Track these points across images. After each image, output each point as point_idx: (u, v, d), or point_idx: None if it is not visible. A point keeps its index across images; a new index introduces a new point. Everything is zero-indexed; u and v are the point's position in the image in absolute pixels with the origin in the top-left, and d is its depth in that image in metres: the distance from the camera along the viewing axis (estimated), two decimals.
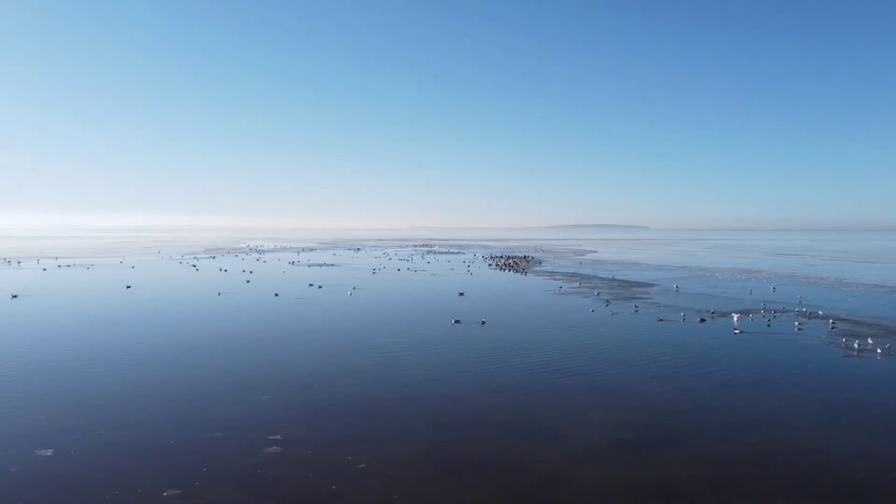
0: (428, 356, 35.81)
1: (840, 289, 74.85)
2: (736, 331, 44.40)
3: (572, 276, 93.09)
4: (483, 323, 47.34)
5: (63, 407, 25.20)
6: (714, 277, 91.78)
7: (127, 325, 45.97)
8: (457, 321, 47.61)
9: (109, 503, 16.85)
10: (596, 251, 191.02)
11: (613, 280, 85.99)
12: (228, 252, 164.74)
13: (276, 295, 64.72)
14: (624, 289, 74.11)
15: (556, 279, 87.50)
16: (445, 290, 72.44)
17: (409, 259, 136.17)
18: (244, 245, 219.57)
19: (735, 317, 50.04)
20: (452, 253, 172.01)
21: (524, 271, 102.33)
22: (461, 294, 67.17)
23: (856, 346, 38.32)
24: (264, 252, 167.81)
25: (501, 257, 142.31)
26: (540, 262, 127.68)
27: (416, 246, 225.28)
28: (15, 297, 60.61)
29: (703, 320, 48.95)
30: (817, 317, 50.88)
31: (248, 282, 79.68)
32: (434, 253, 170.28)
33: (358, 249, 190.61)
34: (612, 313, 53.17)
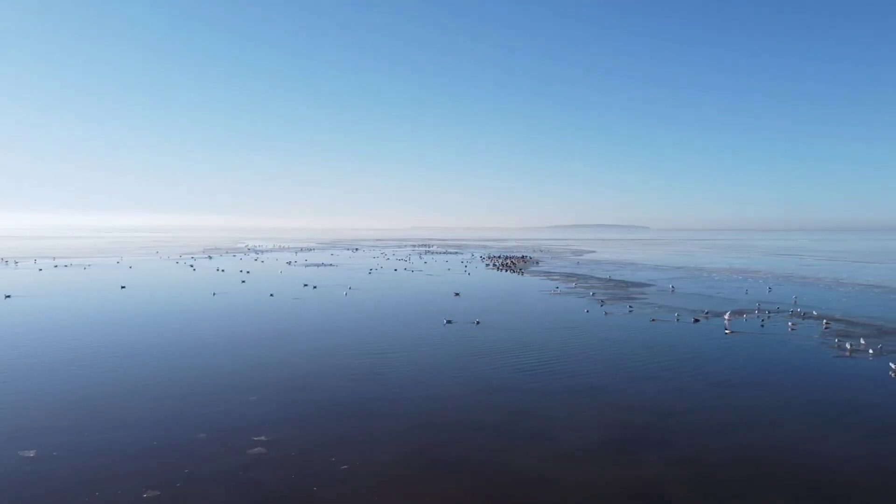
0: (420, 357, 35.75)
1: (836, 289, 74.81)
2: (727, 331, 44.37)
3: (569, 276, 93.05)
4: (477, 323, 47.29)
5: (49, 408, 25.12)
6: (711, 278, 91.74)
7: (118, 325, 45.90)
8: (449, 321, 47.56)
9: None
10: (594, 251, 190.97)
11: (610, 280, 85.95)
12: (226, 252, 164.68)
13: (272, 295, 64.67)
14: (620, 289, 74.06)
15: (552, 279, 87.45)
16: (441, 290, 72.38)
17: (407, 259, 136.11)
18: (242, 245, 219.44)
19: (726, 316, 50.08)
20: (450, 253, 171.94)
21: (521, 271, 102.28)
22: (457, 294, 67.12)
23: (848, 346, 38.26)
24: (262, 252, 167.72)
25: (499, 257, 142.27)
26: (537, 263, 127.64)
27: (414, 246, 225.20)
28: (8, 297, 60.54)
29: (696, 320, 48.90)
30: (811, 317, 50.83)
31: (243, 282, 79.60)
32: (432, 253, 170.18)
33: (356, 249, 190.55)
34: (606, 313, 53.11)
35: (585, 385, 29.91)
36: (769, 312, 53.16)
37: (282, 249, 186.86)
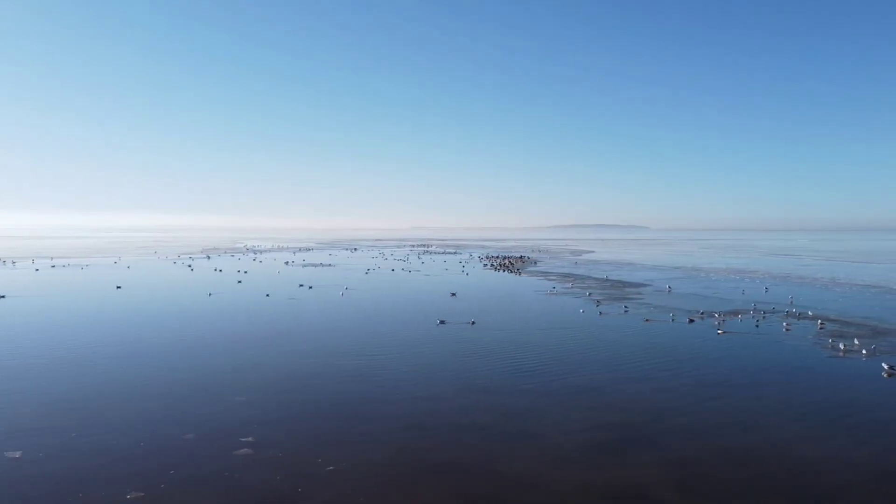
0: (413, 357, 35.70)
1: (833, 289, 74.75)
2: (719, 331, 44.34)
3: (566, 276, 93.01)
4: (473, 323, 47.28)
5: (37, 408, 25.07)
6: (708, 278, 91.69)
7: (111, 326, 45.89)
8: (441, 322, 47.53)
9: None
10: (593, 251, 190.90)
11: (607, 280, 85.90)
12: (225, 252, 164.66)
13: (267, 295, 64.64)
14: (616, 289, 74.01)
15: (549, 279, 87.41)
16: (438, 290, 72.35)
17: (405, 259, 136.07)
18: (241, 245, 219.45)
19: (716, 316, 50.14)
20: (449, 253, 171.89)
21: (519, 271, 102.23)
22: (453, 294, 67.08)
23: (841, 347, 38.21)
24: (261, 252, 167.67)
25: (497, 257, 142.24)
26: (535, 263, 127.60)
27: (413, 246, 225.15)
28: (2, 297, 60.50)
29: (691, 321, 48.85)
30: (807, 317, 50.78)
31: (239, 282, 79.57)
32: (430, 253, 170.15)
33: (355, 249, 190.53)
34: (601, 314, 53.07)
35: (577, 385, 29.86)
36: (764, 313, 53.12)
37: (280, 249, 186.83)
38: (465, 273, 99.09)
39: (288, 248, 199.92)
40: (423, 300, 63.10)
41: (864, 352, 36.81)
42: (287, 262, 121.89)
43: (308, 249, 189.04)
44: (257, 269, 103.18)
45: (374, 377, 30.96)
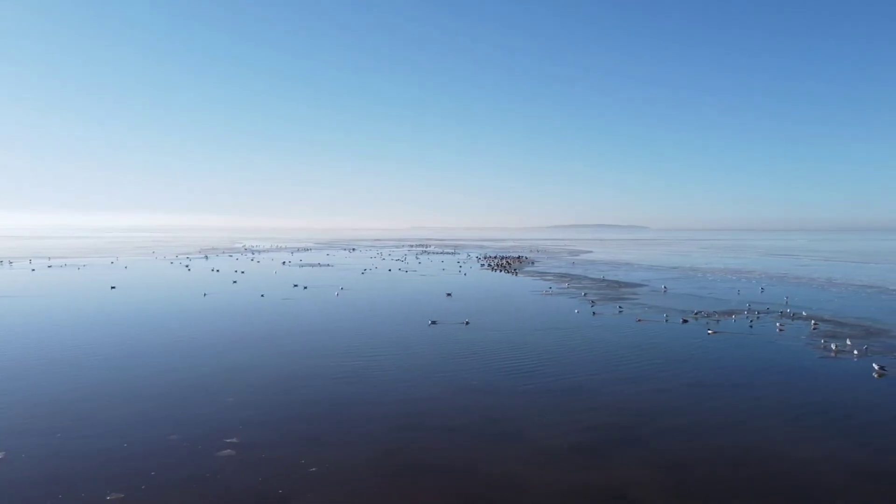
0: (405, 357, 35.63)
1: (829, 289, 74.67)
2: (709, 331, 44.28)
3: (563, 276, 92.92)
4: (467, 323, 47.23)
5: (24, 410, 25.01)
6: (704, 278, 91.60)
7: (103, 326, 45.83)
8: (433, 322, 47.47)
9: None
10: (591, 251, 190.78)
11: (603, 280, 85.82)
12: (223, 252, 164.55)
13: (262, 296, 64.57)
14: (612, 289, 73.94)
15: (546, 279, 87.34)
16: (434, 290, 72.28)
17: (403, 259, 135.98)
18: (240, 245, 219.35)
19: (710, 316, 50.15)
20: (447, 253, 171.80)
21: (515, 272, 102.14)
22: (448, 295, 67.00)
23: (833, 347, 38.16)
24: (259, 252, 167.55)
25: (495, 258, 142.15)
26: (533, 263, 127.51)
27: (411, 246, 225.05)
28: None
29: (685, 321, 48.78)
30: (801, 318, 50.71)
31: (234, 282, 79.49)
32: (429, 253, 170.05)
33: (353, 249, 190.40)
34: (595, 314, 53.00)
35: (567, 386, 29.80)
36: (758, 313, 53.05)
37: (279, 250, 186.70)
38: (462, 274, 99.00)
39: (286, 248, 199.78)
40: (419, 300, 63.03)
41: (855, 352, 36.75)
42: (284, 263, 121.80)
43: (306, 250, 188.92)
44: (254, 270, 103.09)
45: (365, 378, 30.90)
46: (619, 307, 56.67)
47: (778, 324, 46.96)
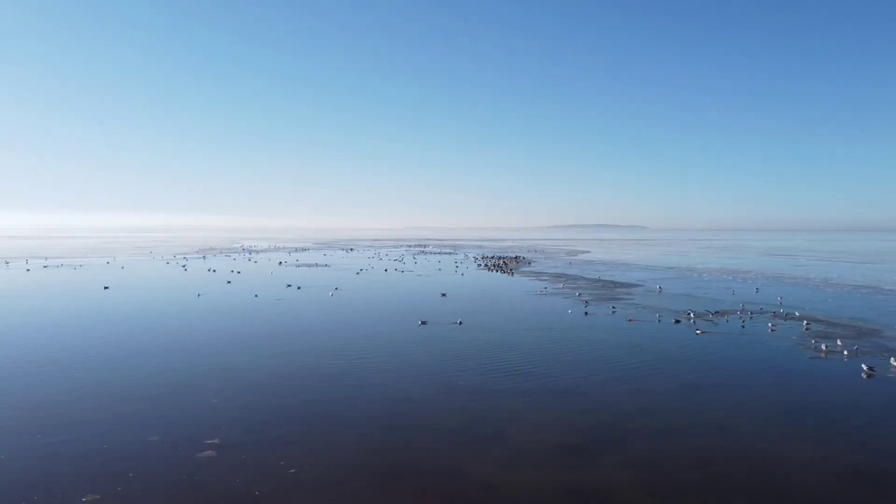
0: (394, 358, 35.55)
1: (824, 289, 74.60)
2: (697, 331, 44.24)
3: (558, 276, 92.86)
4: (460, 323, 47.23)
5: (5, 411, 24.92)
6: (700, 278, 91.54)
7: (91, 327, 45.75)
8: (423, 322, 47.41)
9: None
10: (589, 251, 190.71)
11: (598, 281, 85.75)
12: (221, 252, 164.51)
13: (256, 296, 64.51)
14: (607, 289, 73.87)
15: (541, 280, 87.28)
16: (429, 290, 72.22)
17: (400, 259, 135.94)
18: (238, 245, 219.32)
19: (699, 316, 50.25)
20: (445, 253, 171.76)
21: (512, 272, 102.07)
22: (443, 295, 66.94)
23: (823, 347, 38.08)
24: (257, 252, 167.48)
25: (492, 258, 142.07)
26: (530, 263, 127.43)
27: (409, 246, 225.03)
28: None
29: (677, 321, 48.72)
30: (793, 318, 50.64)
31: (229, 283, 79.41)
32: (426, 253, 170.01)
33: (351, 250, 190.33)
34: (587, 314, 52.95)
35: (554, 386, 29.73)
36: (751, 313, 52.98)
37: (276, 250, 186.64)
38: (459, 274, 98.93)
39: (284, 248, 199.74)
40: (413, 300, 62.97)
41: (845, 353, 36.68)
42: (281, 263, 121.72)
43: (304, 250, 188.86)
44: (251, 270, 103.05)
45: (351, 378, 30.82)
46: (613, 307, 56.60)
47: (770, 324, 46.90)
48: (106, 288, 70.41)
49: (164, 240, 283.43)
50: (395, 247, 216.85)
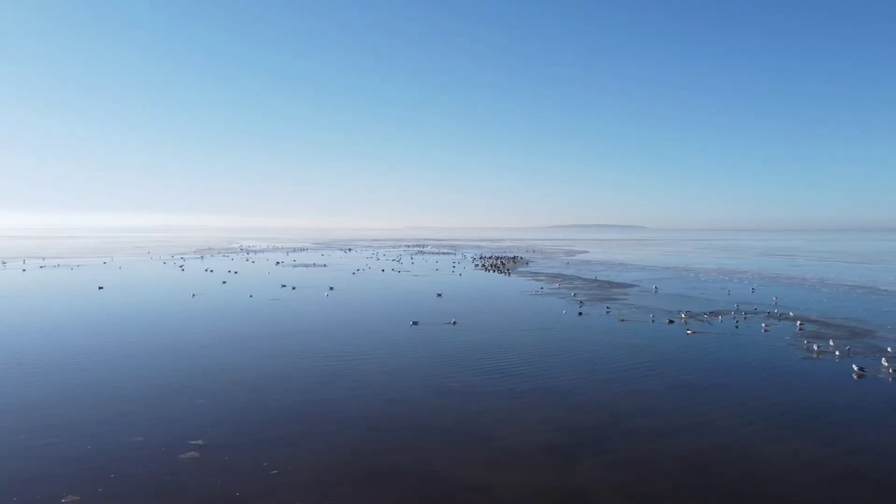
0: (386, 358, 35.49)
1: (820, 289, 74.54)
2: (688, 331, 44.20)
3: (555, 276, 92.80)
4: (454, 323, 47.19)
5: None
6: (697, 278, 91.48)
7: (83, 327, 45.69)
8: (415, 323, 47.36)
9: None
10: (587, 251, 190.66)
11: (595, 281, 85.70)
12: (219, 252, 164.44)
13: (251, 296, 64.45)
14: (603, 290, 73.82)
15: (538, 280, 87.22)
16: (424, 290, 72.17)
17: (398, 259, 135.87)
18: (237, 245, 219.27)
19: (682, 316, 50.29)
20: (443, 253, 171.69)
21: (509, 272, 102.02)
22: (439, 295, 66.89)
23: (815, 348, 38.04)
24: (255, 252, 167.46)
25: (490, 258, 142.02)
26: (527, 263, 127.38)
27: (408, 246, 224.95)
28: None
29: (671, 321, 48.66)
30: (787, 318, 50.59)
31: (224, 283, 79.35)
32: (424, 253, 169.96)
33: (349, 250, 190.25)
34: (581, 314, 52.89)
35: (543, 387, 29.66)
36: (745, 313, 52.93)
37: (275, 250, 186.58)
38: (455, 274, 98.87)
39: (283, 248, 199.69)
40: (408, 301, 62.91)
41: (837, 353, 36.63)
42: (278, 263, 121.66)
43: (303, 250, 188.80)
44: (248, 270, 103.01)
45: (343, 379, 30.76)
46: (607, 308, 56.55)
47: (763, 324, 46.84)
48: (100, 288, 70.35)
49: (164, 240, 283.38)
50: (393, 247, 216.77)
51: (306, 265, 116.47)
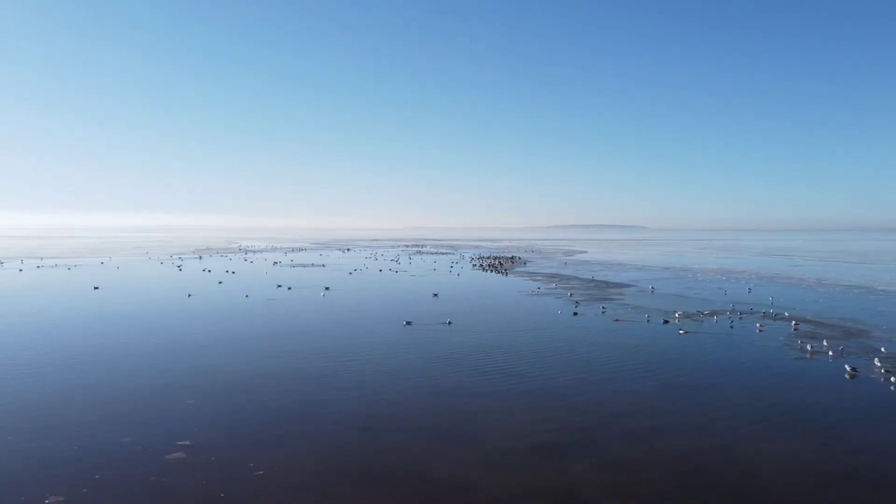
0: (379, 359, 35.44)
1: (816, 289, 74.47)
2: (681, 331, 44.16)
3: (552, 276, 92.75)
4: (449, 323, 47.16)
5: None
6: (694, 278, 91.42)
7: (76, 328, 45.64)
8: (408, 323, 47.32)
9: None
10: (586, 251, 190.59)
11: (592, 281, 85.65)
12: (217, 252, 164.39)
13: (247, 296, 64.40)
14: (600, 290, 73.77)
15: (535, 280, 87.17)
16: (421, 290, 72.12)
17: (396, 260, 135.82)
18: (235, 245, 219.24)
19: (676, 316, 50.26)
20: (442, 253, 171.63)
21: (506, 272, 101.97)
22: (435, 295, 66.84)
23: (809, 348, 37.98)
24: (254, 252, 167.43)
25: (488, 258, 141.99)
26: (525, 263, 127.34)
27: (407, 246, 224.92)
28: None
29: (666, 322, 48.60)
30: (783, 318, 50.53)
31: (220, 283, 79.30)
32: (423, 253, 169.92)
33: (348, 250, 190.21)
34: (576, 314, 52.84)
35: (536, 387, 29.62)
36: (741, 314, 52.87)
37: (273, 250, 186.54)
38: (452, 273, 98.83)
39: (282, 248, 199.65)
40: (403, 301, 62.86)
41: (830, 353, 36.58)
42: (276, 263, 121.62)
43: (301, 250, 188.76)
44: (246, 270, 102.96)
45: (335, 379, 30.70)
46: (603, 308, 56.49)
47: (759, 324, 46.78)
48: (96, 288, 70.30)
49: (163, 240, 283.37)
50: (392, 247, 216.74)
51: (304, 265, 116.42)
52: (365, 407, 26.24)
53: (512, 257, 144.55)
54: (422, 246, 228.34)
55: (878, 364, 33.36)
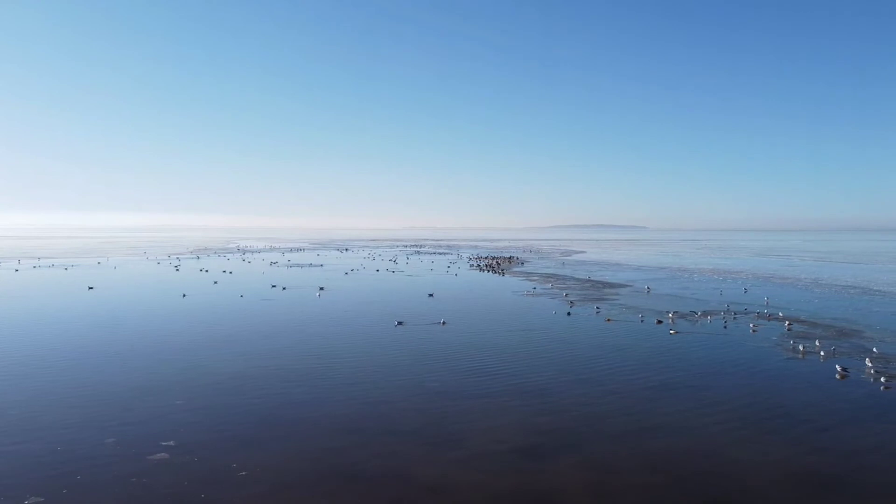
0: (366, 359, 35.38)
1: (812, 290, 74.41)
2: (671, 331, 44.12)
3: (549, 276, 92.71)
4: (444, 323, 47.13)
5: None
6: (691, 278, 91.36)
7: (68, 328, 45.57)
8: (399, 323, 47.28)
9: None
10: (584, 251, 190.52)
11: (588, 281, 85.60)
12: (215, 252, 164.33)
13: (241, 297, 64.34)
14: (595, 290, 73.72)
15: (531, 280, 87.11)
16: (417, 290, 72.06)
17: (394, 260, 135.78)
18: (234, 245, 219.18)
19: (670, 315, 50.21)
20: (440, 253, 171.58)
21: (503, 272, 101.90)
22: (431, 295, 66.79)
23: (801, 348, 37.93)
24: (251, 252, 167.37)
25: (486, 258, 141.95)
26: (522, 263, 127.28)
27: (405, 246, 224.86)
28: None
29: (659, 322, 48.55)
30: (777, 318, 50.49)
31: (215, 283, 79.23)
32: (421, 253, 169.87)
33: (346, 250, 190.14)
34: (569, 314, 52.80)
35: (525, 388, 29.55)
36: (735, 314, 52.83)
37: (271, 250, 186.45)
38: (449, 273, 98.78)
39: (279, 248, 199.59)
40: (399, 301, 62.80)
41: (822, 353, 36.53)
42: (273, 263, 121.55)
43: (299, 250, 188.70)
44: (243, 270, 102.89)
45: (324, 380, 30.64)
46: (597, 308, 56.44)
47: (752, 325, 46.73)
48: (90, 288, 70.23)
49: (162, 240, 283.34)
50: (390, 247, 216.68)
51: (301, 265, 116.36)
52: (352, 408, 26.18)
53: (510, 257, 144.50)
54: (420, 246, 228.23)
55: (869, 364, 33.31)
